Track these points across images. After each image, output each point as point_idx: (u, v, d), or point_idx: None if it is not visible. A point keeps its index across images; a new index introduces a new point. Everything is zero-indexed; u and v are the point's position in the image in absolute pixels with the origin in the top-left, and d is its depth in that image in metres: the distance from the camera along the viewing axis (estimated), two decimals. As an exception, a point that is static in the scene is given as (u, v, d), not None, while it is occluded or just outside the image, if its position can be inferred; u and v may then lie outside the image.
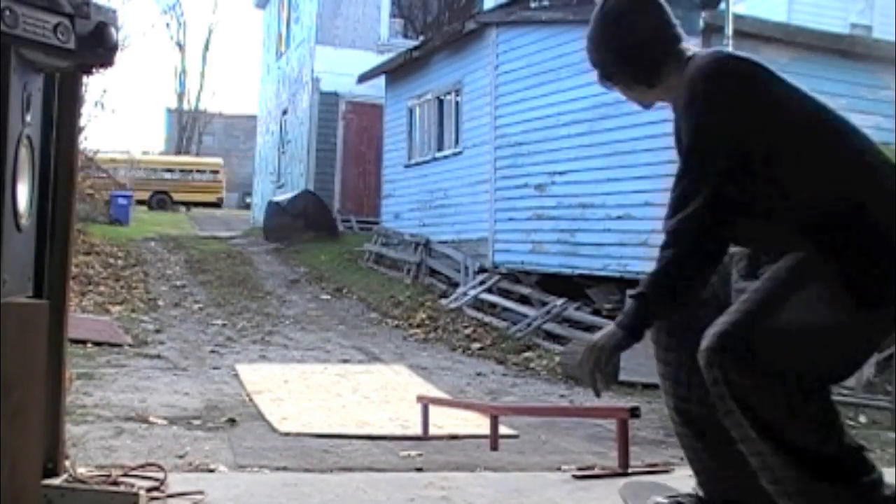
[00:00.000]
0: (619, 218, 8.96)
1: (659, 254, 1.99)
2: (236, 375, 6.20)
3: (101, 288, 10.29)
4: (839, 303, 1.87)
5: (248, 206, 30.73)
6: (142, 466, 3.15)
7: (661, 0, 2.11)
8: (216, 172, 29.58)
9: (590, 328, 8.69)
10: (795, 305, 1.90)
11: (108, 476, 2.84)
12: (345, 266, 13.74)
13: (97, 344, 6.96)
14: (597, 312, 8.90)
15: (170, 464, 3.40)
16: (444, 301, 10.83)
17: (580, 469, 3.82)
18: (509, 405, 5.44)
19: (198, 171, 29.34)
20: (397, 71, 14.77)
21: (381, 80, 15.61)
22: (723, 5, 6.25)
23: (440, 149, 13.34)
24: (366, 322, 10.02)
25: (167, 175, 28.35)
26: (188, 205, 27.32)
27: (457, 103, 12.83)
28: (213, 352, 7.39)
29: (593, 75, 2.20)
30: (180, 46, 39.29)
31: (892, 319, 1.90)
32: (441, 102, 13.45)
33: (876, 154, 1.99)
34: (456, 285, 11.39)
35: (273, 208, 16.90)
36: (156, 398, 5.13)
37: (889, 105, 8.58)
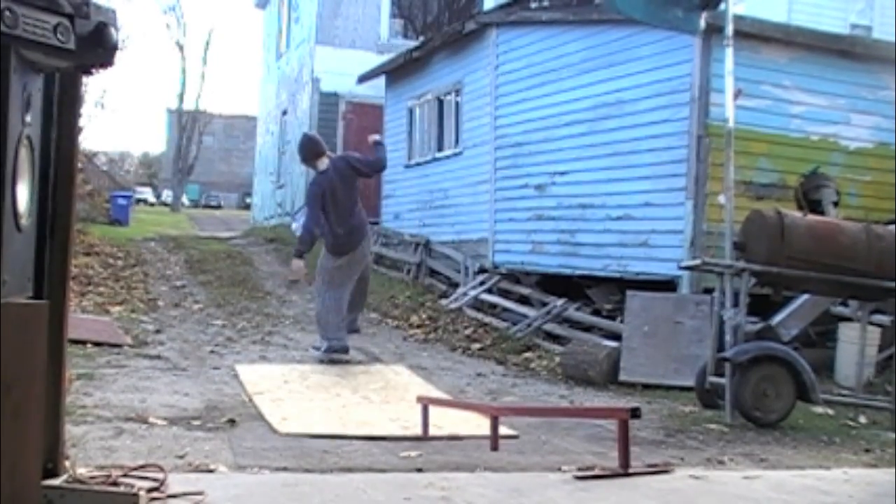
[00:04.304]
0: (619, 218, 8.96)
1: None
2: (236, 376, 6.19)
3: (101, 288, 10.28)
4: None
5: (248, 207, 30.68)
6: (142, 467, 3.15)
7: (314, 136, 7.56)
8: None
9: (590, 329, 8.68)
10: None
11: (108, 476, 2.84)
12: (345, 266, 13.70)
13: (97, 344, 6.96)
14: (597, 313, 8.89)
15: (170, 464, 3.40)
16: (444, 301, 10.84)
17: (580, 469, 3.82)
18: (510, 406, 5.44)
19: None
20: (397, 71, 14.77)
21: (381, 81, 15.61)
22: (723, 6, 6.23)
23: (440, 149, 13.33)
24: (366, 322, 9.99)
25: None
26: None
27: (457, 103, 12.82)
28: (212, 352, 7.39)
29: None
30: (180, 47, 39.23)
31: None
32: (441, 103, 13.44)
33: None
34: (456, 286, 11.40)
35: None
36: (156, 398, 5.13)
37: (889, 105, 8.57)
